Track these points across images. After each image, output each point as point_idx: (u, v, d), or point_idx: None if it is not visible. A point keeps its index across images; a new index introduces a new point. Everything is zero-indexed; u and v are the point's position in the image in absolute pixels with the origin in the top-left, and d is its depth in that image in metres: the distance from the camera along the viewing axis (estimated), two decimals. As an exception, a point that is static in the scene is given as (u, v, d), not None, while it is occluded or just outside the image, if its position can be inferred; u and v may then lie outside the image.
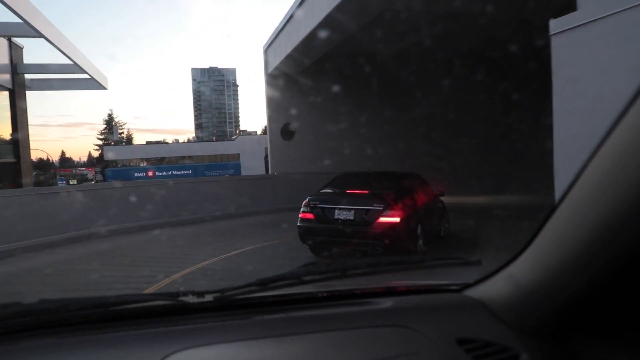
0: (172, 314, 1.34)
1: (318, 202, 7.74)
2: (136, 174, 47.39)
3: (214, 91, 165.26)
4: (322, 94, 18.16)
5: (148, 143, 79.78)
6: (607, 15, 5.51)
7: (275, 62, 18.15)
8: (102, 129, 76.84)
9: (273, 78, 18.93)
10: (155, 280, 6.84)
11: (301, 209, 7.87)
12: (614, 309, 1.08)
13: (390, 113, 18.43)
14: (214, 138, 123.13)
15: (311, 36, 14.06)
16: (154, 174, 47.42)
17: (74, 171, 72.68)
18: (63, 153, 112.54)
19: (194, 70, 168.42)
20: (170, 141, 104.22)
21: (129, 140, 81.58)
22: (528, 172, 16.59)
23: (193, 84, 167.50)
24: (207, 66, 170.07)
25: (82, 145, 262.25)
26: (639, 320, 1.05)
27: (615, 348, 1.08)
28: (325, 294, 1.52)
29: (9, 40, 18.28)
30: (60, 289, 6.55)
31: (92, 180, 58.35)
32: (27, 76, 19.56)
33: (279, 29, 17.14)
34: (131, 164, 59.13)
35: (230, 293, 1.37)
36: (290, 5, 15.79)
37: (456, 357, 1.18)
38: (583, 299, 1.04)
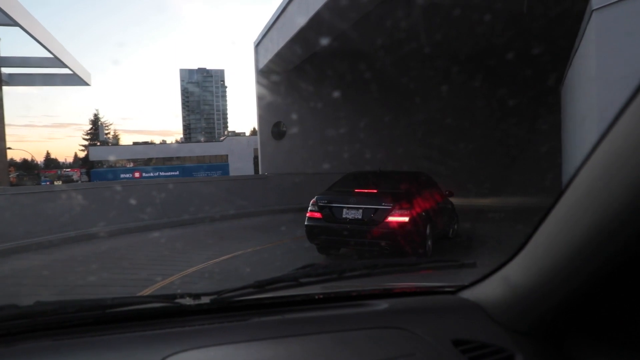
0: (169, 316, 1.34)
1: (326, 201, 7.62)
2: (122, 175, 46.66)
3: (202, 92, 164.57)
4: (314, 92, 17.63)
5: (135, 144, 78.63)
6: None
7: (266, 58, 17.48)
8: (88, 129, 75.59)
9: (264, 75, 18.25)
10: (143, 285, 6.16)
11: (309, 208, 7.75)
12: (608, 311, 1.08)
13: (383, 110, 17.95)
14: (202, 139, 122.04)
15: (304, 30, 13.47)
16: (140, 175, 46.73)
17: (58, 172, 71.25)
18: (48, 154, 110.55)
19: (182, 71, 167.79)
20: (157, 142, 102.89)
21: (116, 140, 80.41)
22: (524, 176, 16.89)
23: (181, 85, 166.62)
24: (195, 67, 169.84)
25: (68, 146, 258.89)
26: (633, 321, 1.05)
27: (610, 349, 1.08)
28: (322, 296, 1.53)
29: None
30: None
31: (77, 181, 57.15)
32: (5, 70, 18.66)
33: (271, 23, 16.48)
34: (117, 165, 58.11)
35: (227, 295, 1.38)
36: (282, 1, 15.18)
37: (452, 358, 1.19)
38: (577, 301, 1.05)
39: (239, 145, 53.66)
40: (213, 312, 1.37)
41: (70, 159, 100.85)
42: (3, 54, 18.44)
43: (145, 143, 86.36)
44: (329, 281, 1.55)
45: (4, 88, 18.60)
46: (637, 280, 0.94)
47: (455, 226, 9.63)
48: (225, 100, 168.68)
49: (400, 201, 7.13)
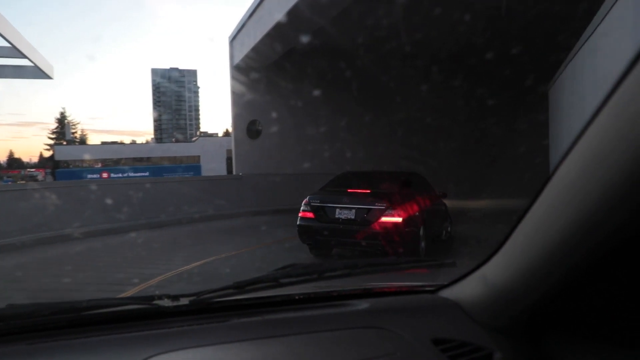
0: (148, 318, 1.32)
1: (318, 201, 7.52)
2: (89, 176, 45.00)
3: (174, 92, 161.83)
4: (293, 89, 16.93)
5: (104, 144, 76.45)
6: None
7: (241, 53, 16.69)
8: (53, 128, 72.92)
9: (239, 72, 17.44)
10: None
11: (301, 208, 7.64)
12: (584, 307, 1.10)
13: (363, 108, 17.41)
14: (174, 139, 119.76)
15: (282, 24, 12.81)
16: (109, 175, 45.21)
17: (22, 172, 68.60)
18: (11, 153, 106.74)
19: (154, 70, 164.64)
20: (127, 142, 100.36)
21: (83, 140, 77.98)
22: (503, 176, 16.82)
23: (153, 85, 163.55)
24: (168, 66, 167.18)
25: (33, 145, 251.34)
26: (607, 316, 1.07)
27: (586, 344, 1.10)
28: (302, 296, 1.51)
29: None
30: None
31: (41, 181, 54.97)
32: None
33: (247, 16, 15.72)
34: (85, 165, 56.20)
35: (206, 296, 1.37)
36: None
37: (432, 357, 1.19)
38: (554, 299, 1.06)
39: (212, 145, 52.57)
40: (192, 314, 1.34)
41: (35, 159, 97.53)
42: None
43: (114, 143, 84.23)
44: (310, 281, 1.55)
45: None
46: (611, 277, 1.00)
47: (449, 228, 9.47)
48: (198, 101, 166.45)
49: (394, 202, 7.04)
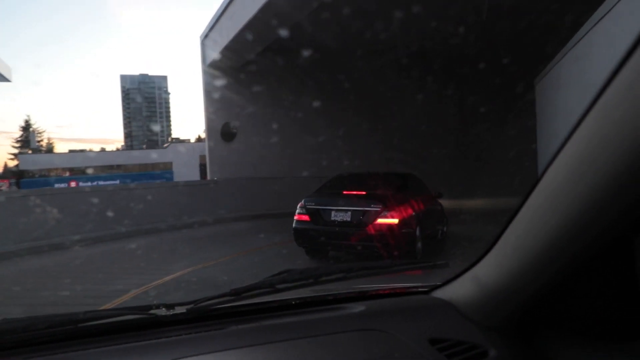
0: (145, 328, 1.31)
1: (314, 204, 7.49)
2: (57, 185, 43.37)
3: (144, 99, 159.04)
4: (269, 90, 16.23)
5: (71, 152, 74.19)
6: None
7: (214, 52, 15.93)
8: (18, 136, 70.21)
9: (212, 71, 16.66)
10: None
11: (297, 211, 7.58)
12: (574, 304, 1.13)
13: (343, 108, 16.83)
14: (145, 146, 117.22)
15: (256, 19, 12.18)
16: (77, 184, 43.67)
17: (-15, 183, 65.85)
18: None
19: (123, 77, 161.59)
20: (97, 150, 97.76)
21: (50, 149, 75.44)
22: (494, 179, 17.02)
23: (122, 91, 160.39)
24: (137, 73, 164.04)
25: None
26: (595, 312, 1.10)
27: (576, 339, 1.13)
28: (298, 301, 1.51)
29: None
30: None
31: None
32: None
33: (220, 12, 14.99)
34: (52, 174, 54.26)
35: (203, 304, 1.37)
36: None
37: (429, 356, 1.21)
38: (544, 297, 1.10)
39: (184, 152, 51.53)
40: (189, 322, 1.34)
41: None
42: None
43: (83, 151, 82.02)
44: (306, 286, 1.56)
45: None
46: (600, 276, 1.04)
47: (445, 228, 9.50)
48: (169, 107, 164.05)
49: (389, 203, 7.00)
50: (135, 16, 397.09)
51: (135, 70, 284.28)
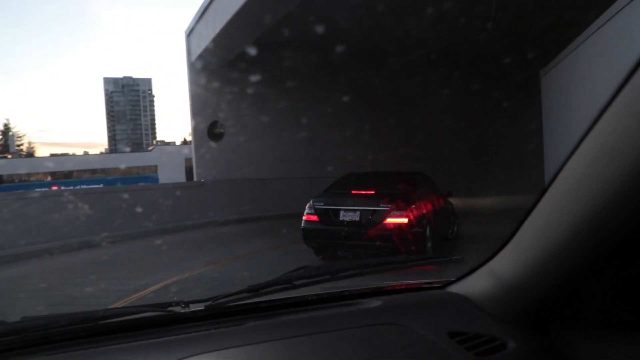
0: (164, 324, 1.32)
1: (322, 204, 7.47)
2: (37, 190, 42.23)
3: (128, 101, 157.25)
4: (258, 87, 15.43)
5: (53, 156, 72.66)
6: None
7: (200, 47, 15.18)
8: (-4, 141, 68.47)
9: (198, 68, 15.89)
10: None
11: (305, 211, 7.56)
12: (590, 298, 1.12)
13: (337, 106, 16.16)
14: (129, 149, 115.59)
15: (244, 10, 11.49)
16: (59, 189, 42.58)
17: (-37, 189, 64.15)
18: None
19: (106, 80, 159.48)
20: (80, 154, 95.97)
21: (30, 153, 73.77)
22: (514, 174, 16.77)
23: (106, 94, 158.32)
24: (121, 75, 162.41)
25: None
26: (611, 306, 1.10)
27: (592, 332, 1.12)
28: (315, 297, 1.53)
29: None
30: None
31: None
32: None
33: (205, 5, 14.24)
34: (32, 179, 52.90)
35: (221, 301, 1.38)
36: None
37: (449, 349, 1.21)
38: (561, 290, 1.09)
39: (170, 154, 50.61)
40: (208, 319, 1.35)
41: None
42: None
43: (65, 155, 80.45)
44: (322, 282, 1.56)
45: None
46: (616, 269, 1.03)
47: (455, 227, 9.39)
48: (153, 110, 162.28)
49: (399, 202, 6.94)
50: (117, 16, 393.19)
51: (119, 73, 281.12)
